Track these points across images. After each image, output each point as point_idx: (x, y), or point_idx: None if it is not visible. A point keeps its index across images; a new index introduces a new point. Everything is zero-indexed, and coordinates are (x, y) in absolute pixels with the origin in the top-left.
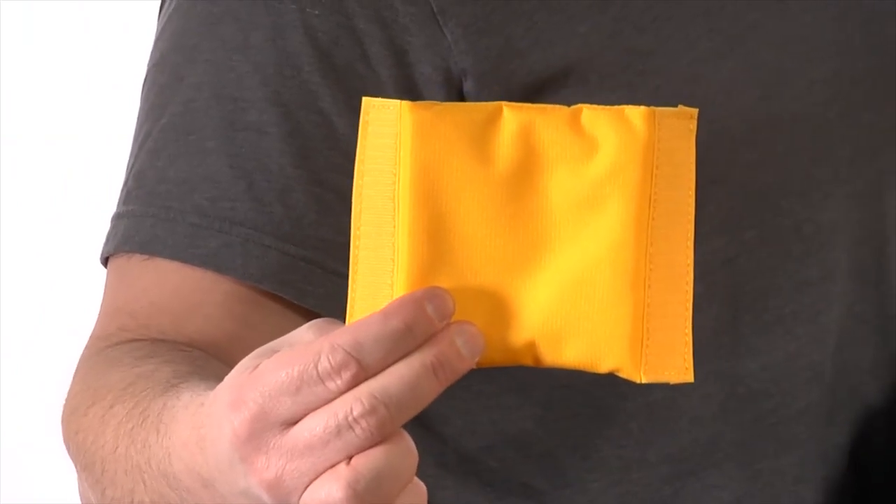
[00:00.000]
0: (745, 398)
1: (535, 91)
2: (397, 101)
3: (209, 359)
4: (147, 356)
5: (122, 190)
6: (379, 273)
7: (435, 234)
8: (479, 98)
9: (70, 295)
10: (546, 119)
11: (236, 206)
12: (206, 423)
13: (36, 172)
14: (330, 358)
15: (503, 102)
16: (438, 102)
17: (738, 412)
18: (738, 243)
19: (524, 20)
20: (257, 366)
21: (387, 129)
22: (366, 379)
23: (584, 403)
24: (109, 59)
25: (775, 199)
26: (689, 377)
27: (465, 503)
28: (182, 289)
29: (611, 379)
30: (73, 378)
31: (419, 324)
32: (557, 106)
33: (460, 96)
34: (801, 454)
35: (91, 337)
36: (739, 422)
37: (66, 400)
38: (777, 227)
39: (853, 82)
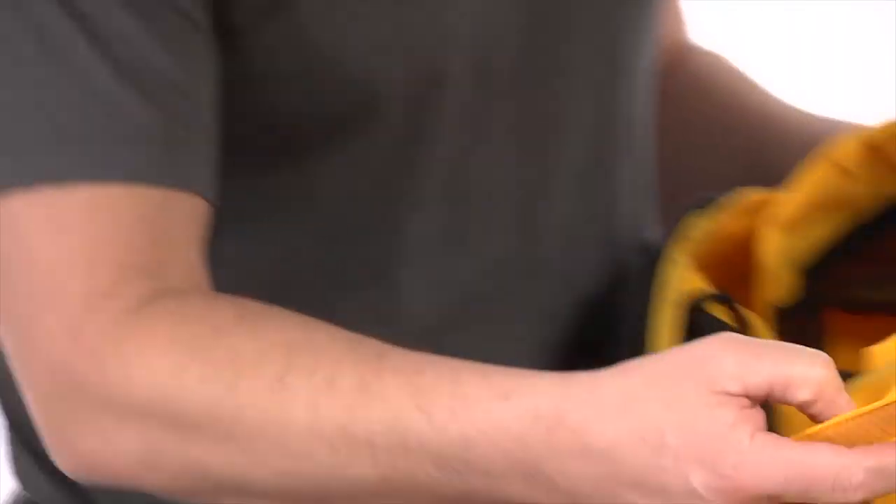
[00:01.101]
0: (469, 299)
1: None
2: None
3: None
4: (251, 318)
5: None
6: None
7: None
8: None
9: None
10: None
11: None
12: (608, 456)
13: None
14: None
15: None
16: None
17: (462, 315)
18: (461, 148)
19: None
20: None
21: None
22: None
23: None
24: None
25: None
26: None
27: None
28: (155, 216)
29: None
30: (146, 349)
31: None
32: None
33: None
34: (524, 351)
35: (95, 294)
36: (465, 324)
37: (164, 372)
38: (500, 128)
39: None
